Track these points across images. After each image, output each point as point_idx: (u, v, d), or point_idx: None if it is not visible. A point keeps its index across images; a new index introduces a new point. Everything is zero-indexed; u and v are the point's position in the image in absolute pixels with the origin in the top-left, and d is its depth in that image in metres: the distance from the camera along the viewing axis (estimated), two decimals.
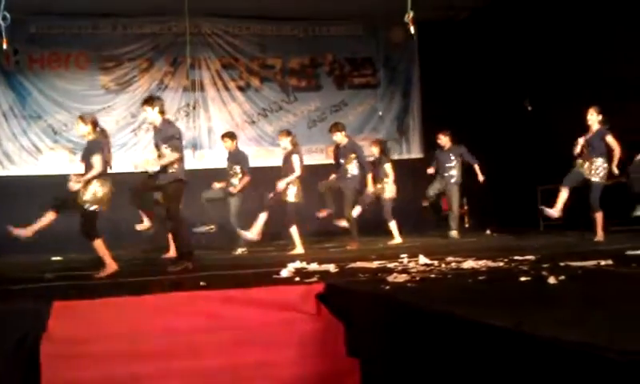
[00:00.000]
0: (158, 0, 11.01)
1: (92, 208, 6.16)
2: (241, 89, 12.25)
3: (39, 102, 11.48)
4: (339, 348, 4.36)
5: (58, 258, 8.95)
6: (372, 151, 9.71)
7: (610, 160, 7.75)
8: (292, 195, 8.39)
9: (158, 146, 6.66)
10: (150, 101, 6.74)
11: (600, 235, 7.78)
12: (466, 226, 11.41)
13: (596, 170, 7.76)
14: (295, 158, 8.46)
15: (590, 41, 9.79)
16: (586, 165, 7.83)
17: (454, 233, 9.68)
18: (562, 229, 9.03)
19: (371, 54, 12.66)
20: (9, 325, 3.98)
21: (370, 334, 4.19)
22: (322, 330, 4.40)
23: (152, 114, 6.65)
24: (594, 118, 7.87)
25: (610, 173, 7.76)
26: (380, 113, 12.52)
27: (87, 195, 6.14)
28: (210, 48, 12.10)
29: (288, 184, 8.36)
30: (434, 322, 3.42)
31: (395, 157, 10.61)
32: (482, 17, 11.63)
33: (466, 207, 11.78)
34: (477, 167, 9.71)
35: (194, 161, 11.14)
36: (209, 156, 11.87)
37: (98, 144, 6.31)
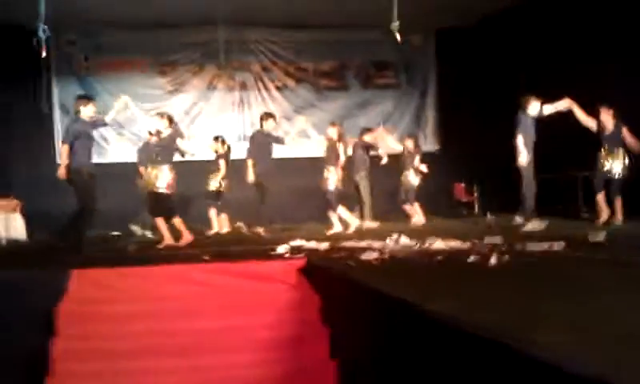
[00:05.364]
0: (207, 11, 11.19)
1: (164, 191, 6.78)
2: (278, 89, 12.42)
3: (107, 102, 11.89)
4: (314, 316, 4.46)
5: (117, 233, 9.34)
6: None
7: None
8: (332, 183, 8.19)
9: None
10: None
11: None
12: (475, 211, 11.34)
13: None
14: (340, 148, 8.29)
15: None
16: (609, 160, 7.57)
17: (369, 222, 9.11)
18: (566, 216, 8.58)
19: (393, 58, 12.57)
20: (35, 287, 4.28)
21: (337, 306, 4.30)
22: (299, 300, 4.53)
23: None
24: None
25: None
26: None
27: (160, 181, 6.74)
28: (252, 54, 12.29)
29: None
30: (375, 298, 3.51)
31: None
32: (492, 24, 11.48)
33: (475, 194, 11.67)
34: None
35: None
36: None
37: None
